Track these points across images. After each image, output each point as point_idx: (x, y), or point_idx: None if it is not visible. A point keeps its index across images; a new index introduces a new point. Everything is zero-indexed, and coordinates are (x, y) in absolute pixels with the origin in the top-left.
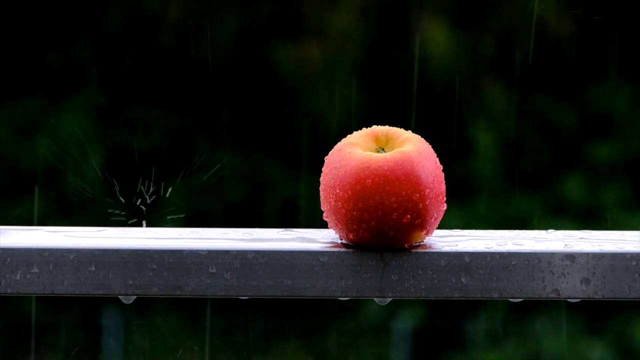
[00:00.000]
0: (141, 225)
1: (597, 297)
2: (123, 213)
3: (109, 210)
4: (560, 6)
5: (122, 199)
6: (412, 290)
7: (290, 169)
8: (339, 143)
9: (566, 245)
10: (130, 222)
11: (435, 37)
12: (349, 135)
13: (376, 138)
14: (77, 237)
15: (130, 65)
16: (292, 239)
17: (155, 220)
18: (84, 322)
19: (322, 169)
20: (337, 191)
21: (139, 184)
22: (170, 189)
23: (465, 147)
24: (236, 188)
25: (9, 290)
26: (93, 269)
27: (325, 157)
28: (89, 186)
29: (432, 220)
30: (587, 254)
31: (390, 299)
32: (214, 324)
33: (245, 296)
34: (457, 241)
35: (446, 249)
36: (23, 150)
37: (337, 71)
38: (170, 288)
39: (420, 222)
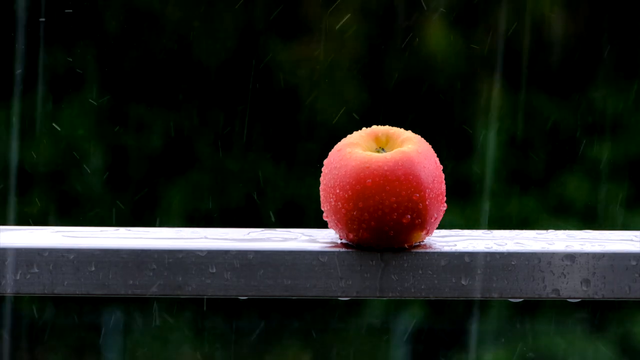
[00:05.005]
0: (140, 226)
1: (597, 297)
2: (123, 213)
3: (109, 210)
4: (560, 5)
5: (122, 198)
6: (412, 290)
7: (290, 168)
8: (339, 143)
9: (566, 245)
10: (130, 222)
11: (435, 36)
12: (349, 135)
13: (376, 138)
14: (77, 237)
15: (131, 66)
16: (292, 239)
17: (155, 220)
18: (84, 322)
19: (322, 169)
20: (337, 191)
21: (139, 184)
22: (170, 189)
23: (465, 147)
24: (236, 188)
25: (9, 290)
26: (93, 269)
27: (325, 157)
28: (89, 186)
29: (432, 220)
30: (587, 254)
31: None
32: (213, 324)
33: (245, 296)
34: (457, 241)
35: (446, 249)
36: (23, 150)
37: (337, 71)
38: (170, 288)
39: (420, 222)
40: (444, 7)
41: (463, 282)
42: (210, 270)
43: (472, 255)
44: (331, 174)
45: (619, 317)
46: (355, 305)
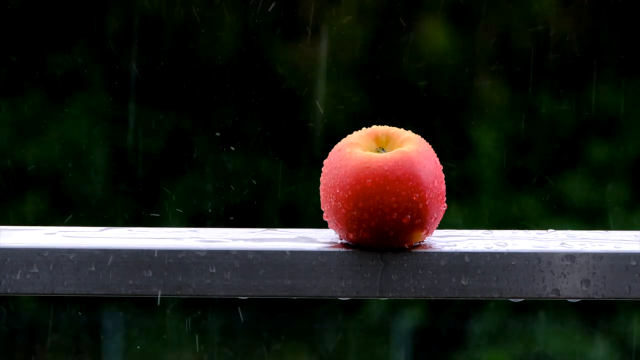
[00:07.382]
0: (140, 226)
1: (597, 297)
2: (123, 213)
3: (110, 211)
4: (560, 4)
5: (123, 198)
6: (412, 290)
7: (290, 168)
8: (339, 143)
9: (566, 245)
10: (130, 222)
11: (435, 36)
12: (349, 135)
13: (376, 138)
14: (77, 237)
15: (131, 66)
16: (292, 239)
17: (155, 220)
18: (84, 322)
19: (322, 169)
20: (337, 191)
21: (139, 184)
22: (170, 189)
23: (465, 147)
24: (236, 188)
25: (9, 290)
26: (93, 269)
27: (325, 157)
28: (89, 186)
29: (432, 220)
30: (587, 254)
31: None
32: (213, 324)
33: (245, 296)
34: (457, 241)
35: (446, 249)
36: (24, 151)
37: (337, 71)
38: (170, 288)
39: (420, 222)
40: (444, 6)
41: (463, 282)
42: (210, 270)
43: (472, 255)
44: (331, 174)
45: (619, 317)
46: (355, 305)
